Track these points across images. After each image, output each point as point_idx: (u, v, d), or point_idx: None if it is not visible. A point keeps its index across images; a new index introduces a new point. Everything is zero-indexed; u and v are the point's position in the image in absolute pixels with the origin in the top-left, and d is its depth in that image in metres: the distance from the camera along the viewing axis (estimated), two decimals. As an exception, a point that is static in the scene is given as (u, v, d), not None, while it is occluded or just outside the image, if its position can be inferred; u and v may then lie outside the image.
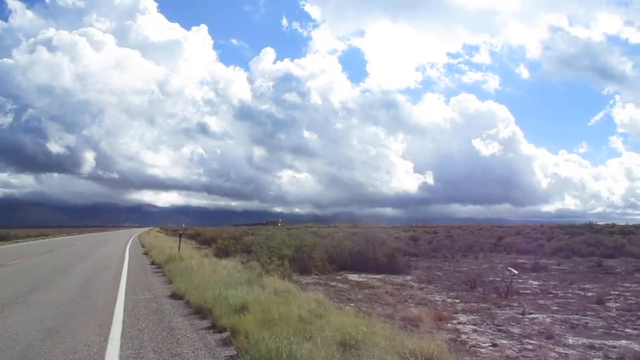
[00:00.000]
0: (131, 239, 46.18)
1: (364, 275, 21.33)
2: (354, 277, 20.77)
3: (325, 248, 23.85)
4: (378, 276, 21.18)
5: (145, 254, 24.27)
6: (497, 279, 20.89)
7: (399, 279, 20.64)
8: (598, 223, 57.37)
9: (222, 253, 32.99)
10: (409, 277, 21.19)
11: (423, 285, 18.45)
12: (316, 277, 20.04)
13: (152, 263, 18.28)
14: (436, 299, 15.39)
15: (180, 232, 23.50)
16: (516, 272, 24.93)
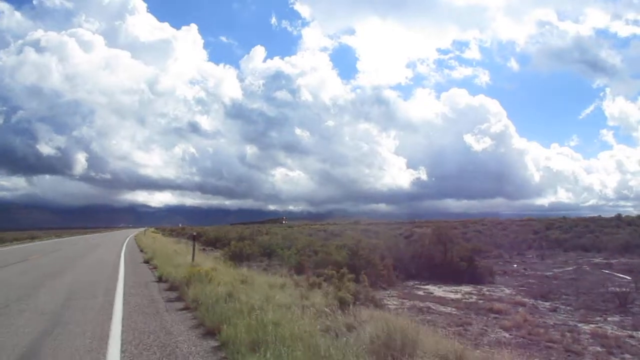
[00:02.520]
0: (126, 242, 39.70)
1: (445, 288, 15.44)
2: (437, 290, 14.87)
3: (379, 250, 17.91)
4: (465, 288, 15.30)
5: (147, 262, 18.10)
6: (626, 289, 15.15)
7: (497, 292, 14.76)
8: (625, 215, 52.00)
9: (237, 257, 26.97)
10: (506, 289, 15.30)
11: (548, 304, 12.59)
12: (388, 291, 14.10)
13: (160, 280, 12.14)
14: (612, 333, 9.54)
15: (194, 234, 17.14)
16: (629, 278, 19.28)
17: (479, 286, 15.78)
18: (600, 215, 53.02)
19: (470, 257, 17.72)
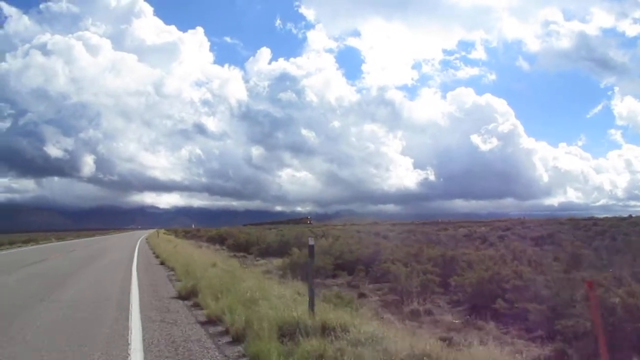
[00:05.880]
0: (138, 247, 30.75)
1: None
2: None
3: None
4: None
5: (186, 299, 9.14)
6: None
7: None
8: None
9: (302, 272, 18.09)
10: None
11: None
12: None
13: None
14: None
15: (312, 244, 7.28)
16: None
17: None
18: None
19: None
